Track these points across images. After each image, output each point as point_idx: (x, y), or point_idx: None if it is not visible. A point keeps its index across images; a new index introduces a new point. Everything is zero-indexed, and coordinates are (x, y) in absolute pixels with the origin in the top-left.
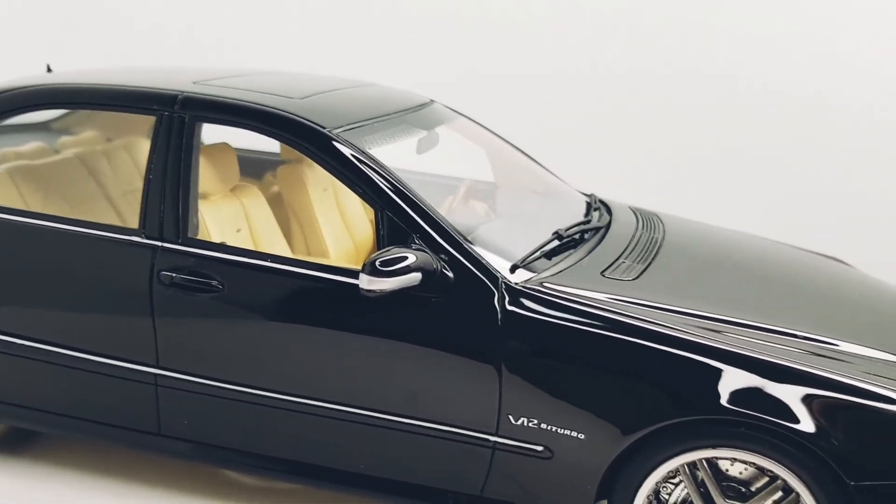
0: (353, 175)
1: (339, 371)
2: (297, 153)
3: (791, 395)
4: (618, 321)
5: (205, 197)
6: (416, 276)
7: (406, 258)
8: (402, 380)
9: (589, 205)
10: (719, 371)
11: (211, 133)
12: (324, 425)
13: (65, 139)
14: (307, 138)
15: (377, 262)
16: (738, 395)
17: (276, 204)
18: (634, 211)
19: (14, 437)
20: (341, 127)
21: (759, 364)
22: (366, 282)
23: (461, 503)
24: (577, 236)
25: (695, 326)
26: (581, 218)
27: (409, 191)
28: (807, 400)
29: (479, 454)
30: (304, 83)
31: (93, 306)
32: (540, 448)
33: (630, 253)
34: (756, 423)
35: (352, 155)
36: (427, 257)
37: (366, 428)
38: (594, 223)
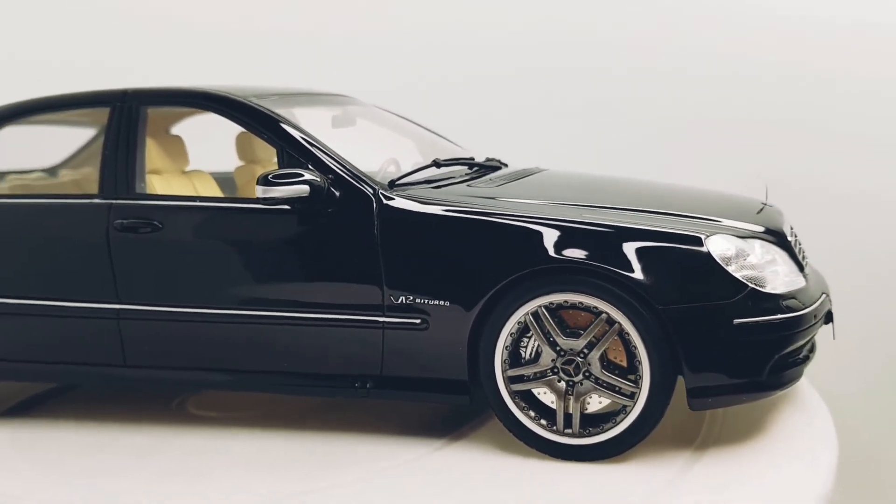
0: (256, 122)
1: (266, 281)
2: (250, 156)
3: (613, 243)
4: (469, 208)
5: (157, 172)
6: (303, 188)
7: (299, 175)
8: (312, 280)
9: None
10: (543, 233)
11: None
12: (260, 332)
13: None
14: (223, 103)
15: (269, 176)
16: (563, 249)
17: None
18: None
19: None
20: (255, 97)
21: (577, 226)
22: (261, 191)
23: (366, 384)
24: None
25: (538, 208)
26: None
27: (301, 129)
28: (625, 246)
29: (374, 336)
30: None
31: (60, 259)
32: (418, 321)
33: (501, 178)
34: (580, 267)
35: (253, 108)
36: (316, 176)
37: (289, 329)
38: (477, 161)
